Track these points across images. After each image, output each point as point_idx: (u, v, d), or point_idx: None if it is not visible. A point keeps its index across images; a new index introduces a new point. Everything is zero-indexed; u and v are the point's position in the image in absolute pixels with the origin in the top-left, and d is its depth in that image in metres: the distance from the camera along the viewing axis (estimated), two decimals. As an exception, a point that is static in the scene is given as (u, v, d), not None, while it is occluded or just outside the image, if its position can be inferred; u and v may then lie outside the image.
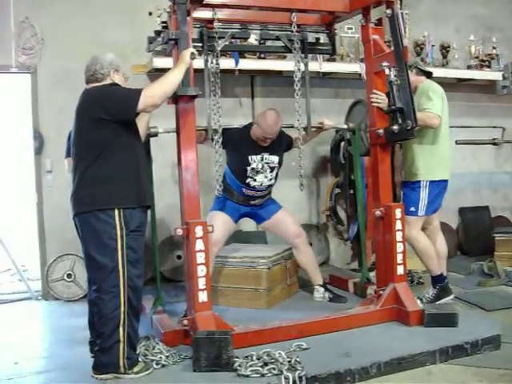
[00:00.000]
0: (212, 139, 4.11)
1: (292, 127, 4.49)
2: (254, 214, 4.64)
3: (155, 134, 3.91)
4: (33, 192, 5.47)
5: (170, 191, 4.95)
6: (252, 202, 4.50)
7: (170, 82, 3.25)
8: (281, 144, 4.51)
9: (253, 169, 4.34)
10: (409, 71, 4.28)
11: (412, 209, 4.35)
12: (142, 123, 3.48)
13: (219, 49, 4.12)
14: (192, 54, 3.39)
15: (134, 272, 3.16)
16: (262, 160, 4.37)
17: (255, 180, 4.37)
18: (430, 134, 4.34)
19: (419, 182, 4.35)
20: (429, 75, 4.54)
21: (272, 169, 4.42)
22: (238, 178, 4.40)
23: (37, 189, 5.41)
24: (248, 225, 5.52)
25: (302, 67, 4.36)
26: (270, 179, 4.43)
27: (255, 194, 4.45)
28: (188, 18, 3.53)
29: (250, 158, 4.33)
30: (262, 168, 4.37)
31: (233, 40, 4.47)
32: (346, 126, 4.78)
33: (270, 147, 4.40)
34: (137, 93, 3.12)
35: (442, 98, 4.36)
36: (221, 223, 4.30)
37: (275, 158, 4.43)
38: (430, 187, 4.35)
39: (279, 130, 4.35)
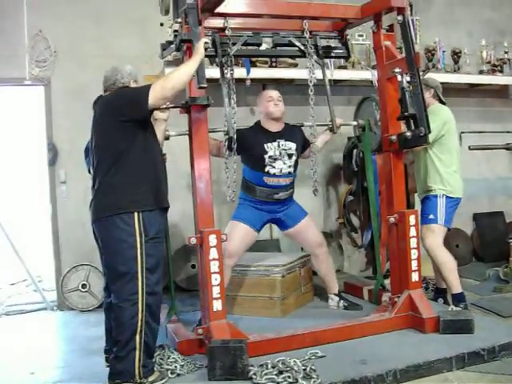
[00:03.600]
0: (226, 145, 4.08)
1: (302, 125, 4.52)
2: (279, 221, 4.55)
3: (167, 138, 3.90)
4: (47, 203, 5.51)
5: (183, 200, 4.96)
6: (276, 196, 4.38)
7: (180, 74, 3.21)
8: (297, 134, 4.49)
9: (270, 156, 4.29)
10: (427, 91, 4.33)
11: (431, 216, 4.37)
12: (158, 133, 3.50)
13: (232, 53, 4.11)
14: (205, 43, 3.38)
15: (152, 279, 3.16)
16: (279, 147, 4.32)
17: (274, 167, 4.31)
18: (443, 153, 4.38)
19: (436, 195, 4.39)
20: (443, 103, 4.55)
21: (290, 156, 4.36)
22: (257, 169, 4.33)
23: (51, 200, 5.45)
24: (262, 233, 5.51)
25: (316, 73, 4.36)
26: (289, 166, 4.36)
27: (277, 182, 4.35)
28: (200, 28, 3.54)
29: (266, 146, 4.30)
30: (279, 155, 4.31)
31: (244, 48, 4.47)
32: (355, 123, 4.75)
33: (286, 134, 4.39)
34: (146, 88, 3.14)
35: (445, 121, 4.36)
36: (240, 236, 4.26)
37: (292, 145, 4.38)
38: (446, 200, 4.37)
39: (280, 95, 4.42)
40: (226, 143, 4.09)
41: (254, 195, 4.39)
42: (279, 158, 4.32)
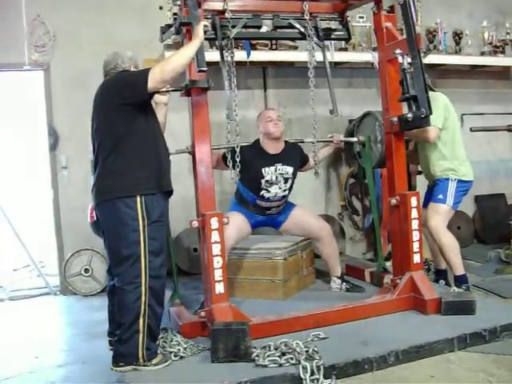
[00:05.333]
0: (226, 159, 4.17)
1: (302, 142, 4.58)
2: (271, 221, 4.60)
3: None
4: (48, 188, 5.51)
5: (184, 184, 4.96)
6: (268, 212, 4.50)
7: (179, 57, 3.19)
8: (295, 155, 4.53)
9: (267, 181, 4.34)
10: None
11: (440, 196, 4.37)
12: (159, 116, 3.49)
13: (232, 36, 4.08)
14: (205, 26, 3.36)
15: (156, 262, 3.17)
16: (276, 171, 4.36)
17: (269, 191, 4.36)
18: (447, 139, 4.37)
19: (448, 178, 4.38)
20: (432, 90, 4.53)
21: (286, 180, 4.41)
22: (251, 191, 4.40)
23: (52, 185, 5.45)
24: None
25: (317, 56, 4.33)
26: (284, 190, 4.42)
27: (270, 204, 4.45)
28: (199, 10, 3.52)
29: (263, 170, 4.33)
30: (276, 179, 4.36)
31: (244, 30, 4.45)
32: (355, 139, 4.79)
33: (284, 157, 4.42)
34: (146, 71, 3.13)
35: (445, 107, 4.35)
36: (236, 223, 4.25)
37: (289, 169, 4.42)
38: (457, 183, 4.38)
39: (279, 115, 4.43)
40: (229, 155, 4.16)
41: (246, 208, 4.47)
42: (275, 182, 4.37)
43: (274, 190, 4.36)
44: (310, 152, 4.55)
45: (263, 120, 4.40)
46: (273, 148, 4.41)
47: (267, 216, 4.52)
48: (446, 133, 4.36)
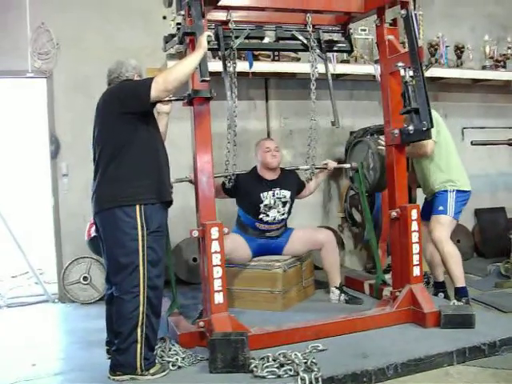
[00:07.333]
0: (225, 188, 4.32)
1: (297, 169, 4.69)
2: (273, 248, 4.62)
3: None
4: (49, 195, 5.51)
5: (184, 193, 4.97)
6: (268, 234, 4.58)
7: (182, 67, 3.20)
8: (292, 180, 4.63)
9: (265, 205, 4.44)
10: None
11: (440, 208, 4.40)
12: (161, 126, 3.49)
13: (235, 47, 4.10)
14: (208, 36, 3.36)
15: (154, 272, 3.17)
16: (274, 196, 4.46)
17: (268, 215, 4.46)
18: (442, 152, 4.41)
19: (446, 190, 4.41)
20: None
21: (284, 203, 4.51)
22: (250, 215, 4.49)
23: (53, 192, 5.45)
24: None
25: (319, 67, 4.35)
26: (283, 213, 4.52)
27: (269, 227, 4.54)
28: (203, 20, 3.53)
29: (261, 195, 4.43)
30: (274, 203, 4.45)
31: (247, 41, 4.47)
32: (349, 166, 4.83)
33: (281, 182, 4.52)
34: (148, 80, 3.15)
35: (436, 121, 4.27)
36: (233, 239, 4.30)
37: (287, 193, 4.51)
38: (456, 194, 4.40)
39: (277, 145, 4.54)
40: (227, 182, 4.28)
41: (246, 233, 4.56)
42: (274, 206, 4.46)
43: (272, 213, 4.46)
44: (306, 178, 4.66)
45: (261, 150, 4.50)
46: (270, 175, 4.52)
47: (268, 238, 4.58)
48: (439, 146, 4.38)
